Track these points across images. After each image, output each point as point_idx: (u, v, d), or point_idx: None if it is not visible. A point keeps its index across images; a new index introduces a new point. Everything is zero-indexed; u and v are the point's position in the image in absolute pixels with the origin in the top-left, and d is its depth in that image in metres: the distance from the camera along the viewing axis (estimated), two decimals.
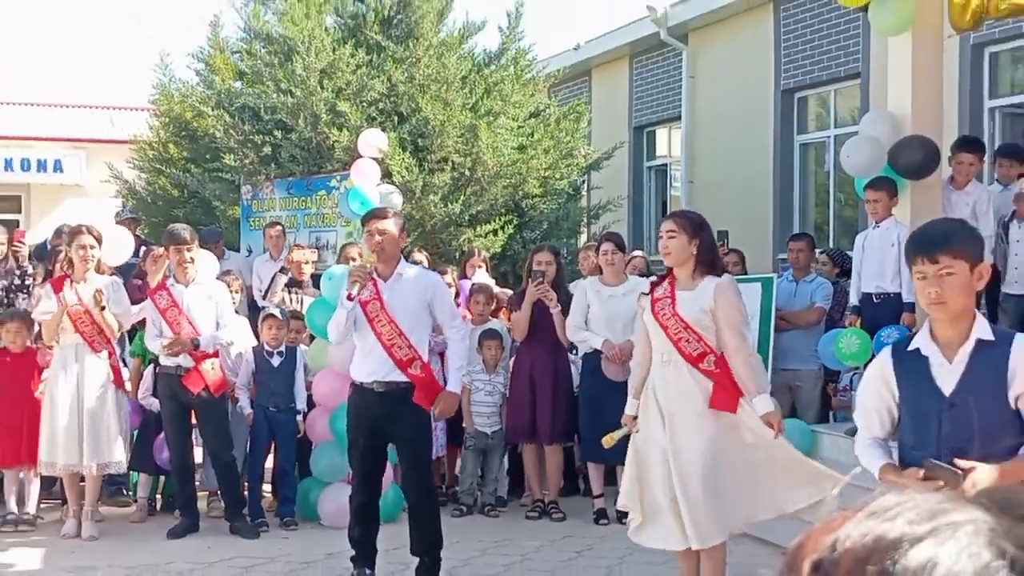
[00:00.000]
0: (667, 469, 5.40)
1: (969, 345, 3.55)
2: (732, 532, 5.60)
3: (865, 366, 7.69)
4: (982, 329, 3.59)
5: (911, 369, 3.70)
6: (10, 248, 9.23)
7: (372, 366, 6.15)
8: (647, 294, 5.67)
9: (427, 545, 6.24)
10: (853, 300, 7.86)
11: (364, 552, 6.21)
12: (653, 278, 6.16)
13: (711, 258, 5.62)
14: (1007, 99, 11.54)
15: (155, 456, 8.15)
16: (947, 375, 3.58)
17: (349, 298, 6.02)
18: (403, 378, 6.12)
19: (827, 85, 13.56)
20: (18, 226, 13.00)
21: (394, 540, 6.56)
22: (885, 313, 7.47)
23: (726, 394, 5.42)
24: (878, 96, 10.73)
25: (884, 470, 3.73)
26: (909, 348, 3.75)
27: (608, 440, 5.97)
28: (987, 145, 11.33)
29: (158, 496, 8.50)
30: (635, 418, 5.65)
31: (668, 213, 6.01)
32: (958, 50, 10.77)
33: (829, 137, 13.58)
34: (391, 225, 6.25)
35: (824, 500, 5.28)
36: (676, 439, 5.41)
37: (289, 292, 9.35)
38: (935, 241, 3.59)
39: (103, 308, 7.49)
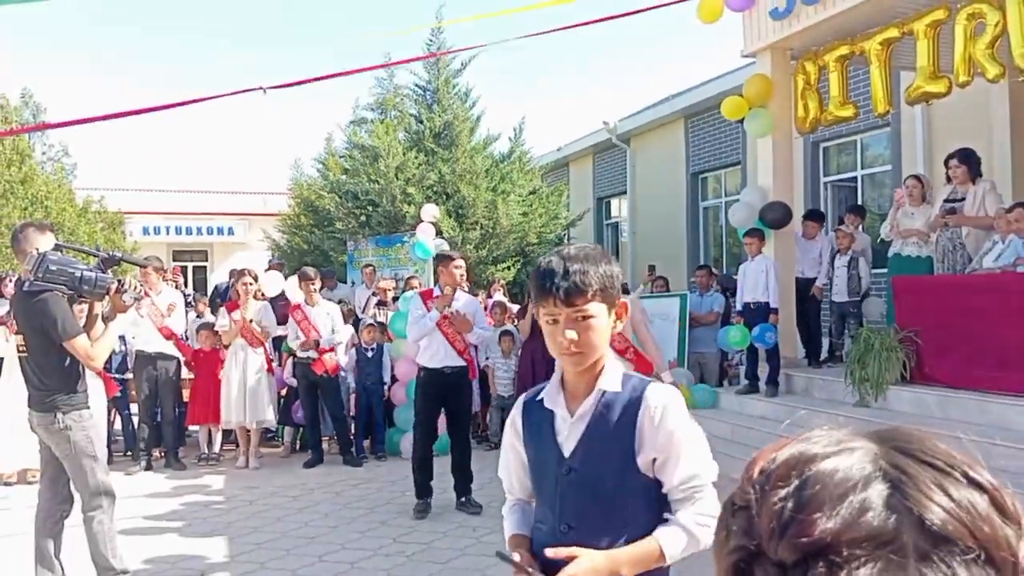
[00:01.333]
0: None
1: (592, 398, 1.80)
2: None
3: (747, 349, 7.74)
4: (609, 379, 1.81)
5: (536, 423, 1.90)
6: (173, 279, 9.49)
7: (441, 355, 6.02)
8: None
9: (465, 477, 6.15)
10: (738, 307, 7.83)
11: (425, 488, 6.05)
12: None
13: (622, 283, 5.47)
14: (835, 176, 11.53)
15: (293, 415, 8.18)
16: (569, 433, 1.83)
17: (443, 317, 5.92)
18: (461, 362, 6.07)
19: (720, 170, 13.57)
20: (192, 271, 13.01)
21: (440, 465, 6.41)
22: (759, 315, 7.44)
23: (642, 369, 5.19)
24: (752, 176, 10.73)
25: (511, 540, 1.94)
26: (538, 398, 1.90)
27: None
28: (823, 206, 11.37)
29: (297, 441, 8.50)
30: None
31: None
32: (802, 145, 10.78)
33: (721, 202, 13.58)
34: (464, 265, 6.29)
35: None
36: None
37: (378, 308, 9.38)
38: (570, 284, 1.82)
39: (251, 321, 7.58)
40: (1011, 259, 6.25)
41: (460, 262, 6.20)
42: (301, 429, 8.33)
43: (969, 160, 6.94)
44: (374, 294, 9.87)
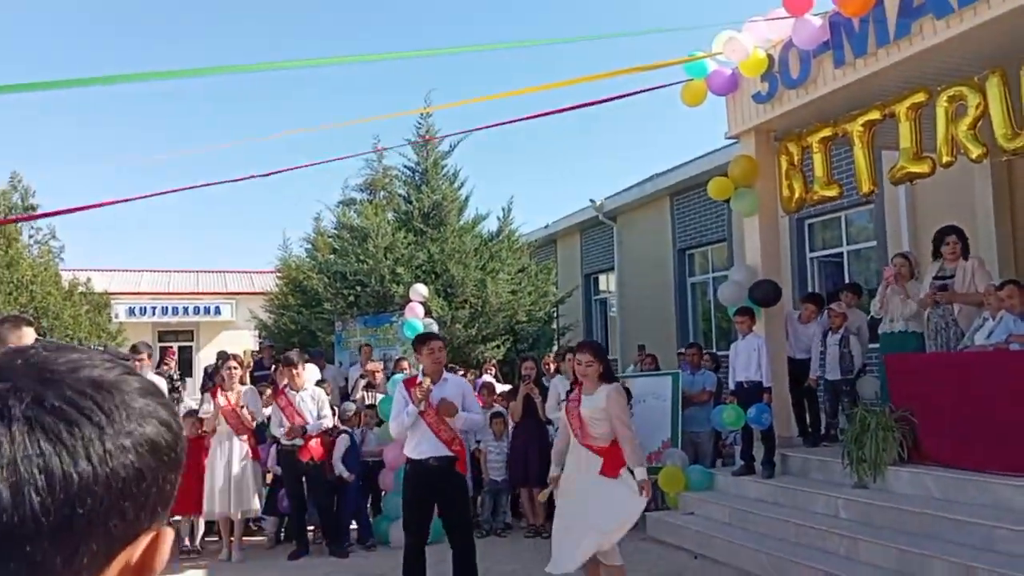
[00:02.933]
0: (562, 518, 5.19)
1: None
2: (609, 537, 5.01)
3: (742, 428, 7.62)
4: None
5: None
6: (164, 363, 9.21)
7: (425, 446, 5.59)
8: (565, 399, 5.36)
9: (468, 565, 5.63)
10: (730, 386, 7.73)
11: None
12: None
13: (608, 372, 5.24)
14: (820, 252, 11.61)
15: (279, 504, 7.93)
16: None
17: (422, 412, 5.56)
18: (449, 452, 5.60)
19: (706, 246, 13.66)
20: (180, 352, 12.80)
21: (437, 555, 6.18)
22: (752, 394, 7.35)
23: (611, 466, 5.03)
24: (738, 253, 10.78)
25: None
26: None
27: (542, 495, 5.63)
28: (810, 282, 11.42)
29: (281, 531, 8.22)
30: (557, 479, 5.28)
31: (582, 343, 5.70)
32: (788, 222, 10.87)
33: (709, 278, 13.63)
34: (442, 344, 5.98)
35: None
36: (575, 496, 5.10)
37: (366, 391, 9.24)
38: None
39: (242, 407, 7.41)
40: (1003, 336, 6.22)
41: (439, 343, 5.88)
42: (286, 518, 8.07)
43: (963, 236, 6.99)
44: (362, 376, 9.74)
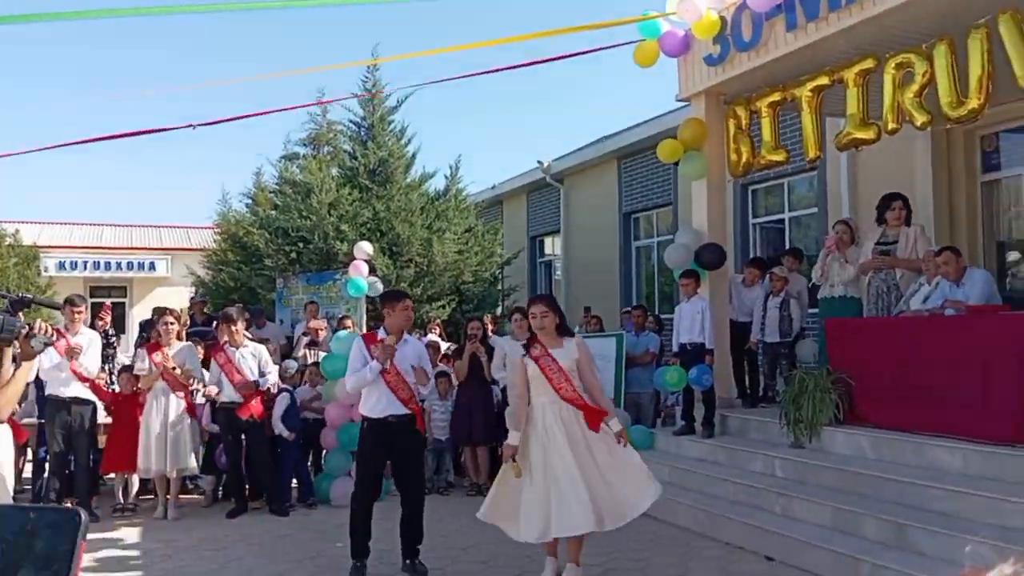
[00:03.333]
0: (537, 485, 4.81)
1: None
2: (605, 527, 4.80)
3: (684, 389, 7.72)
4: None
5: None
6: (99, 318, 8.90)
7: (385, 404, 5.48)
8: (525, 355, 5.01)
9: (416, 537, 5.56)
10: (674, 348, 7.79)
11: (362, 548, 5.47)
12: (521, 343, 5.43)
13: (564, 325, 5.17)
14: (763, 218, 11.74)
15: (216, 461, 7.76)
16: None
17: (384, 371, 5.43)
18: (407, 411, 5.52)
19: (651, 210, 13.72)
20: (113, 308, 12.26)
21: (383, 513, 6.12)
22: (694, 356, 7.42)
23: (594, 418, 4.88)
24: (683, 217, 10.84)
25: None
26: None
27: (516, 470, 4.83)
28: (753, 247, 11.56)
29: (220, 489, 8.06)
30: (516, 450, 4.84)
31: (535, 296, 5.54)
32: (732, 188, 10.94)
33: (654, 242, 13.71)
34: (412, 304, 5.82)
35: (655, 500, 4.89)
36: (553, 455, 4.80)
37: (309, 349, 9.09)
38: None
39: (174, 368, 7.21)
40: (939, 301, 6.37)
41: (410, 303, 5.71)
42: (224, 476, 7.92)
43: (907, 204, 7.12)
44: (304, 334, 9.58)
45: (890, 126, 6.41)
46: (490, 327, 8.86)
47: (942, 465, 5.54)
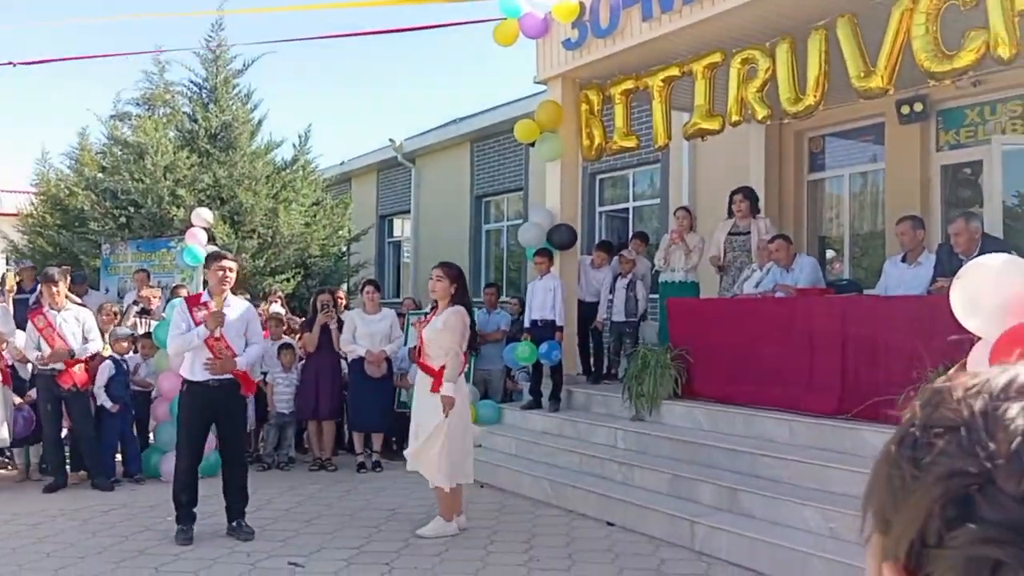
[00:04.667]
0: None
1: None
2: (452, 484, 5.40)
3: (532, 365, 7.84)
4: None
5: None
6: None
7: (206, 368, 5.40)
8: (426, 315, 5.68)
9: (240, 498, 5.58)
10: (527, 324, 7.89)
11: (190, 511, 5.41)
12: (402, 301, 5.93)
13: (463, 296, 5.39)
14: (609, 206, 12.11)
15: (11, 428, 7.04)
16: None
17: (217, 339, 5.34)
18: (230, 375, 5.46)
19: (502, 194, 13.83)
20: None
21: (212, 488, 5.91)
22: (546, 332, 7.56)
23: (439, 384, 5.26)
24: (534, 202, 10.98)
25: None
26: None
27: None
28: (599, 233, 11.91)
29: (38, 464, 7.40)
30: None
31: (440, 263, 5.65)
32: (580, 175, 11.21)
33: (504, 226, 13.84)
34: (235, 265, 5.67)
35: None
36: (420, 417, 5.36)
37: (139, 318, 8.50)
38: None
39: None
40: (770, 285, 6.82)
41: (229, 263, 5.57)
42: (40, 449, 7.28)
43: (751, 197, 7.57)
44: (135, 302, 8.95)
45: (734, 118, 6.77)
46: (342, 301, 8.63)
47: (771, 435, 5.94)
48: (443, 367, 5.25)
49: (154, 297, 8.79)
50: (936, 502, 0.41)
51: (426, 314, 5.60)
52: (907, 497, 0.42)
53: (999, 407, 0.41)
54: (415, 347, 5.91)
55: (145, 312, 8.60)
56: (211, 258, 5.73)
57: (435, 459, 5.30)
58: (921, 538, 0.41)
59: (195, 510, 5.46)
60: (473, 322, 5.49)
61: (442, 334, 5.24)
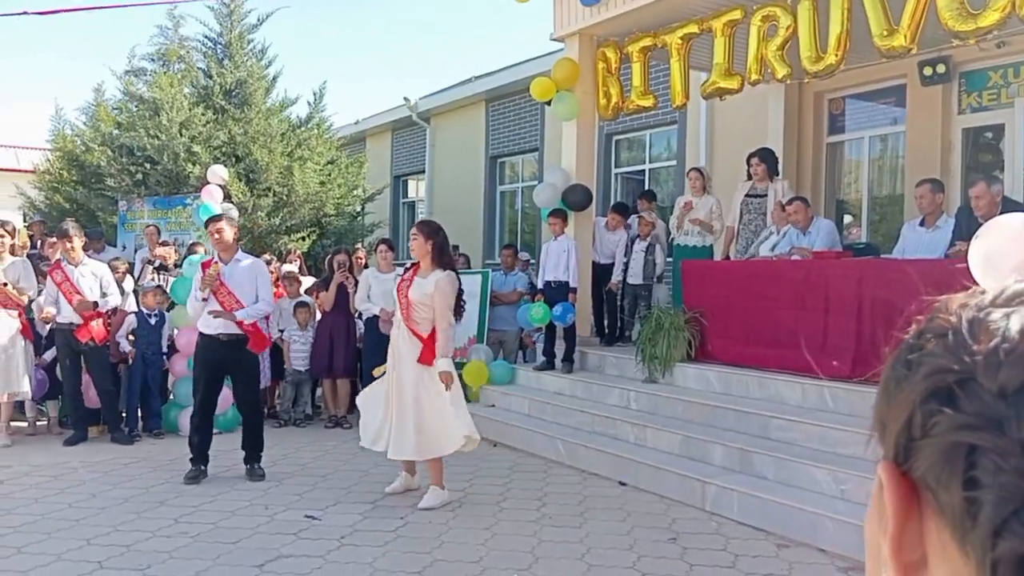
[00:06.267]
0: (391, 400, 5.20)
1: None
2: (425, 456, 5.22)
3: (546, 326, 7.87)
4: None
5: None
6: None
7: (217, 322, 5.69)
8: (401, 275, 5.43)
9: (255, 445, 5.93)
10: (539, 285, 7.90)
11: (201, 453, 5.77)
12: (406, 264, 5.65)
13: (442, 255, 5.22)
14: (625, 168, 12.03)
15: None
16: None
17: (204, 299, 5.68)
18: (239, 331, 5.73)
19: (517, 155, 13.76)
20: None
21: (231, 443, 6.10)
22: (559, 293, 7.57)
23: (428, 355, 5.10)
24: (549, 163, 10.93)
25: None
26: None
27: (377, 371, 5.50)
28: (614, 195, 11.85)
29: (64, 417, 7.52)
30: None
31: (417, 222, 5.66)
32: (597, 136, 11.13)
33: (519, 187, 13.79)
34: (226, 225, 5.85)
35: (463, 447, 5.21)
36: (400, 381, 5.13)
37: (157, 273, 8.57)
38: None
39: (5, 284, 6.63)
40: (787, 248, 6.78)
41: (222, 224, 5.81)
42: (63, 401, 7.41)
43: (768, 159, 7.49)
44: (150, 261, 9.00)
45: (753, 77, 6.69)
46: (362, 259, 8.62)
47: (783, 398, 5.95)
48: (430, 336, 5.11)
49: (169, 256, 8.83)
50: (920, 396, 0.44)
51: (404, 273, 5.35)
52: (898, 395, 0.46)
53: (986, 313, 0.44)
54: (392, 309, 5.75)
55: (163, 268, 8.65)
56: (210, 219, 5.96)
57: (444, 427, 5.13)
58: (908, 432, 0.44)
59: (207, 453, 5.81)
60: (461, 289, 5.34)
61: (433, 299, 5.09)
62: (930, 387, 0.43)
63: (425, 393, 5.11)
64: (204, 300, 5.67)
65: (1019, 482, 0.39)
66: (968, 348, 0.43)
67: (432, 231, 5.23)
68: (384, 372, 5.36)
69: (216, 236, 5.79)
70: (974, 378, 0.42)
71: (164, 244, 9.28)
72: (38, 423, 7.45)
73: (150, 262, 8.94)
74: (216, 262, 5.79)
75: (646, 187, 11.52)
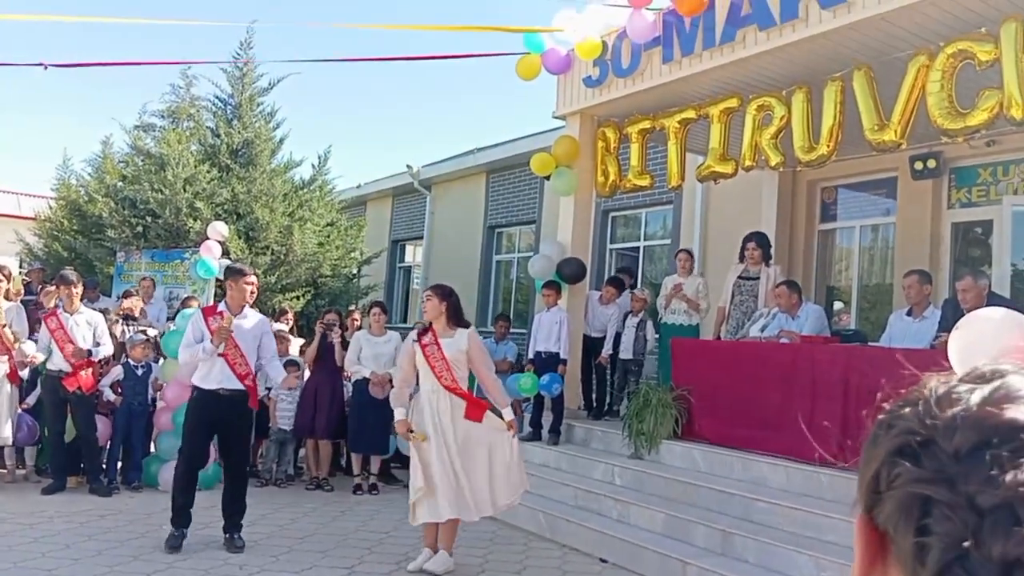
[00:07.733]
0: (444, 464, 5.00)
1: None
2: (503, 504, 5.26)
3: (534, 397, 7.86)
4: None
5: None
6: None
7: (219, 377, 5.51)
8: (416, 341, 5.19)
9: (238, 510, 5.64)
10: (530, 355, 7.92)
11: (185, 516, 5.48)
12: (418, 328, 5.51)
13: (458, 314, 5.30)
14: (620, 244, 12.18)
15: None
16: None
17: (221, 354, 5.48)
18: (241, 386, 5.56)
19: (515, 226, 13.93)
20: None
21: (210, 500, 6.00)
22: (549, 364, 7.59)
23: (474, 409, 5.11)
24: (546, 235, 11.06)
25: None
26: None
27: (419, 435, 5.06)
28: (608, 270, 11.96)
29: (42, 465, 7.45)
30: (408, 424, 5.13)
31: (431, 285, 5.71)
32: (594, 213, 11.30)
33: (514, 258, 13.92)
34: (256, 281, 5.88)
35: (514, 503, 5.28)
36: (451, 444, 5.01)
37: (126, 325, 8.50)
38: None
39: (3, 326, 6.64)
40: (775, 331, 6.84)
41: (252, 279, 5.78)
42: (40, 450, 7.33)
43: (764, 244, 7.62)
44: (118, 314, 8.86)
45: (747, 163, 6.85)
46: (357, 320, 8.57)
47: (767, 480, 5.92)
48: (469, 391, 5.20)
49: (135, 306, 8.80)
50: (888, 452, 0.51)
51: (419, 339, 5.23)
52: (872, 451, 0.54)
53: (954, 387, 0.52)
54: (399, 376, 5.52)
55: (130, 318, 8.64)
56: (235, 272, 5.79)
57: (505, 477, 5.13)
58: (875, 484, 0.52)
59: (190, 515, 5.54)
60: None
61: (470, 354, 5.16)
62: (896, 445, 0.51)
63: (498, 446, 5.13)
64: (220, 355, 5.47)
65: (964, 531, 0.45)
66: (933, 414, 0.50)
67: (446, 292, 5.35)
68: (425, 438, 5.07)
69: (252, 292, 5.69)
70: (934, 440, 0.49)
71: (128, 295, 9.20)
72: (17, 471, 7.36)
73: (119, 314, 8.82)
74: (228, 314, 5.57)
75: (640, 264, 11.69)
